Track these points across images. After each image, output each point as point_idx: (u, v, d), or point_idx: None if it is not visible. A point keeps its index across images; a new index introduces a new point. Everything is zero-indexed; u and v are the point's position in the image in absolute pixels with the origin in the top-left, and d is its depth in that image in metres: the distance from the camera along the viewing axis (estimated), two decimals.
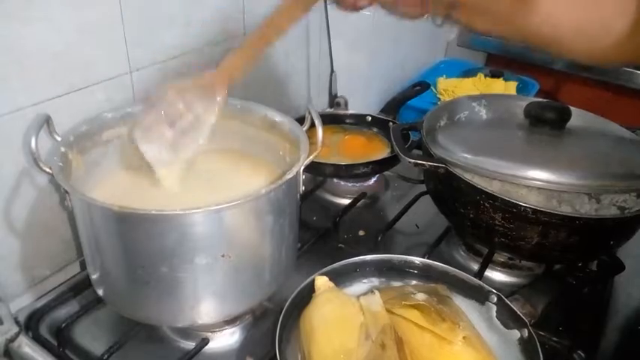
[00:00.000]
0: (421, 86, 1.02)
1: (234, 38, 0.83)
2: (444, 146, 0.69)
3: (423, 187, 0.84)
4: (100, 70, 0.67)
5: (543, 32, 0.51)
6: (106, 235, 0.53)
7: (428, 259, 0.66)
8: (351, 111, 1.01)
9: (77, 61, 0.64)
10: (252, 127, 0.69)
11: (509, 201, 0.62)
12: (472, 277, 0.61)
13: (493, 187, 0.65)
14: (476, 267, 0.74)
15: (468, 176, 0.66)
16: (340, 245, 0.77)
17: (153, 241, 0.51)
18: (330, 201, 0.88)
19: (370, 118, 0.96)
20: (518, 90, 1.41)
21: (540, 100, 0.79)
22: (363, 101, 1.22)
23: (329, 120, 0.97)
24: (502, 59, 1.60)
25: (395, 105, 0.98)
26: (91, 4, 0.63)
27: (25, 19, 0.57)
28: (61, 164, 0.56)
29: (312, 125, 0.61)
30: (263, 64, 0.92)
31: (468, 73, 1.47)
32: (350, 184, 0.89)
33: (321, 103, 1.08)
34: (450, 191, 0.68)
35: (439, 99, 1.35)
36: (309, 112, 0.63)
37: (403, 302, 0.57)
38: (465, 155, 0.67)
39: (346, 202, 0.85)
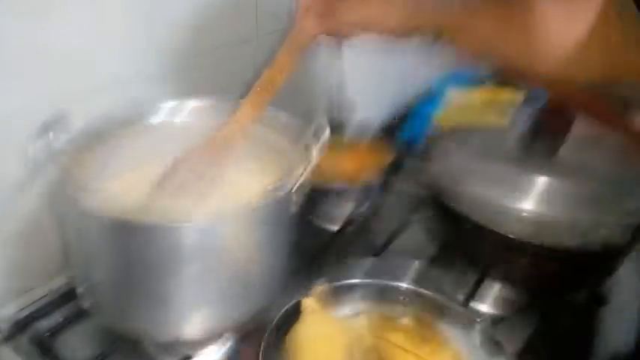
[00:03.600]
0: (428, 96, 1.03)
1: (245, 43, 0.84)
2: (436, 173, 0.70)
3: (415, 213, 0.84)
4: (113, 71, 0.68)
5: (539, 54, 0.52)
6: (96, 244, 0.53)
7: (417, 284, 0.66)
8: (352, 121, 1.02)
9: (91, 60, 0.65)
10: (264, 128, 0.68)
11: (496, 232, 0.63)
12: (458, 305, 0.62)
13: (484, 216, 0.66)
14: (465, 294, 0.74)
15: (458, 205, 0.66)
16: (330, 267, 0.77)
17: (142, 251, 0.51)
18: (321, 223, 0.88)
19: (372, 130, 0.96)
20: (527, 99, 1.41)
21: (534, 129, 0.80)
22: (368, 111, 1.21)
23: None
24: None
25: (400, 114, 0.98)
26: (108, 4, 0.64)
27: (44, 16, 0.58)
28: (62, 168, 0.56)
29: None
30: None
31: (478, 81, 1.47)
32: (342, 207, 0.89)
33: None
34: (440, 218, 0.69)
35: (447, 109, 1.36)
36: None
37: (389, 326, 0.57)
38: (457, 183, 0.68)
39: (338, 224, 0.86)
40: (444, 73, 1.48)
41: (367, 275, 0.72)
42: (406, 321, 0.58)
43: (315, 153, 0.58)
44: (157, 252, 0.51)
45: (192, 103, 0.68)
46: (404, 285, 0.64)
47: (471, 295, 0.71)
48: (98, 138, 0.62)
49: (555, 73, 0.53)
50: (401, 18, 0.54)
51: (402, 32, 0.54)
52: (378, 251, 0.78)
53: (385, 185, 0.86)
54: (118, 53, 0.68)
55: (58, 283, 0.70)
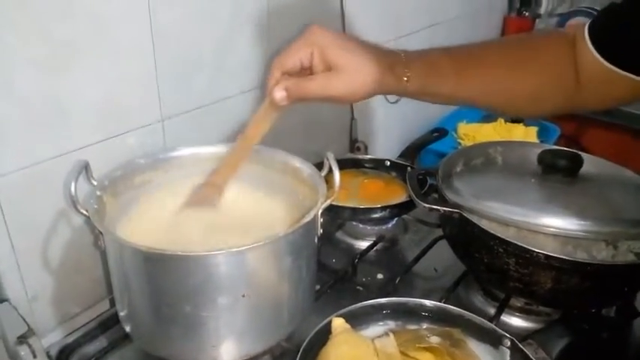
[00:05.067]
0: (439, 132, 1.05)
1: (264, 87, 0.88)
2: (459, 191, 0.71)
3: (440, 231, 0.86)
4: (134, 119, 0.72)
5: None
6: (135, 274, 0.57)
7: (444, 302, 0.68)
8: (370, 155, 1.04)
9: (114, 109, 0.69)
10: (275, 172, 0.73)
11: (522, 247, 0.64)
12: (486, 321, 0.62)
13: (508, 233, 0.67)
14: (492, 311, 0.75)
15: (482, 222, 0.68)
16: (358, 287, 0.79)
17: (178, 281, 0.54)
18: (348, 243, 0.90)
19: (389, 163, 0.99)
20: (539, 135, 1.42)
21: (553, 147, 0.82)
22: (383, 146, 1.25)
23: (349, 164, 1.00)
24: None
25: (414, 150, 1.01)
26: (127, 56, 0.68)
27: (68, 70, 0.62)
28: (96, 207, 0.60)
29: (331, 170, 0.65)
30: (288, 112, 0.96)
31: (488, 118, 1.49)
32: (369, 227, 0.92)
33: (341, 148, 1.11)
34: (464, 236, 0.70)
35: (460, 143, 1.37)
36: (327, 159, 0.67)
37: (417, 345, 0.58)
38: (480, 201, 0.69)
39: (365, 244, 0.88)
40: (454, 110, 1.50)
41: (395, 294, 0.74)
42: (435, 339, 0.59)
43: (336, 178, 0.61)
44: (191, 281, 0.54)
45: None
46: (431, 303, 0.65)
47: (500, 312, 0.72)
48: (121, 182, 0.67)
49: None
50: (365, 94, 0.59)
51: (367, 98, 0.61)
52: (405, 270, 0.79)
53: (409, 204, 0.87)
54: (139, 102, 0.72)
55: (102, 309, 0.74)
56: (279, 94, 0.59)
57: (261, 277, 0.58)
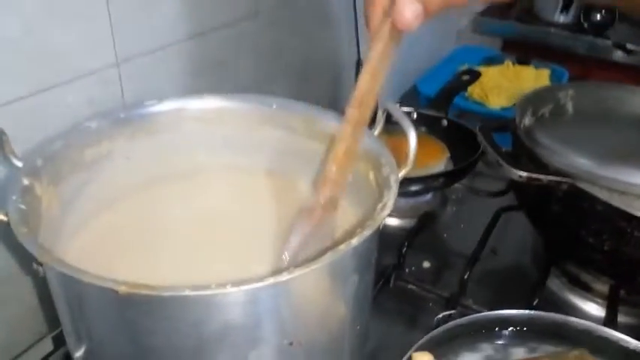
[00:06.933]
0: (471, 74, 0.83)
1: (246, 20, 0.64)
2: (561, 153, 0.51)
3: (493, 202, 0.67)
4: (75, 63, 0.48)
5: None
6: (106, 326, 0.33)
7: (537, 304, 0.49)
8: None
9: (42, 50, 0.45)
10: (289, 134, 0.50)
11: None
12: (628, 338, 0.43)
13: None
14: (588, 307, 0.57)
15: (602, 194, 0.47)
16: (410, 287, 0.58)
17: (182, 336, 0.31)
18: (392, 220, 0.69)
19: (416, 115, 0.77)
20: (551, 79, 1.25)
21: None
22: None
23: None
24: (519, 45, 1.45)
25: (444, 98, 0.79)
26: None
27: None
28: (23, 206, 0.35)
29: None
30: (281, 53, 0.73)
31: (490, 60, 1.30)
32: (402, 201, 0.70)
33: (344, 97, 0.88)
34: (572, 213, 0.50)
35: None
36: (384, 111, 0.45)
37: None
38: (598, 165, 0.49)
39: (399, 224, 0.67)
40: (451, 52, 1.30)
41: (465, 294, 0.55)
42: None
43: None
44: (205, 332, 0.31)
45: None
46: (545, 315, 0.46)
47: (613, 312, 0.53)
48: (64, 160, 0.42)
49: None
50: None
51: None
52: (470, 258, 0.59)
53: (464, 170, 0.67)
54: (82, 39, 0.48)
55: (44, 349, 0.49)
56: (412, 8, 0.34)
57: (315, 311, 0.35)
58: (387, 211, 0.36)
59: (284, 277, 0.30)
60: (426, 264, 0.63)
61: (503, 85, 1.15)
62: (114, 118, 0.46)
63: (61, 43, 0.46)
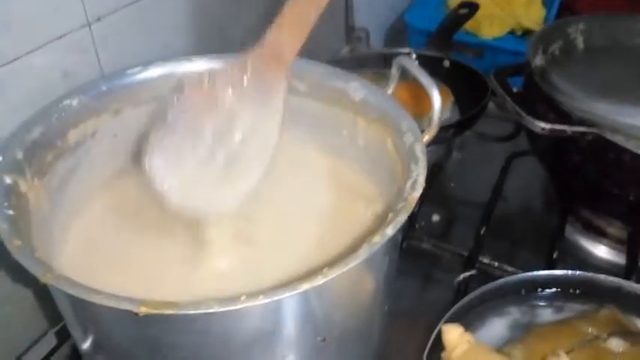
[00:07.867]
0: (469, 7, 0.78)
1: None
2: (580, 100, 0.47)
3: (500, 146, 0.65)
4: (40, 27, 0.41)
5: None
6: (124, 342, 0.30)
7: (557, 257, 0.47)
8: (379, 49, 0.77)
9: (4, 18, 0.38)
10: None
11: None
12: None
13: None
14: (604, 253, 0.56)
15: (630, 144, 0.45)
16: (423, 246, 0.56)
17: (208, 348, 0.28)
18: None
19: (415, 56, 0.72)
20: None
21: None
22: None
23: (354, 64, 0.72)
24: None
25: (444, 36, 0.74)
26: None
27: None
28: (11, 212, 0.31)
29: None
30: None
31: None
32: None
33: (335, 40, 0.82)
34: (593, 164, 0.48)
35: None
36: (399, 67, 0.41)
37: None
38: (617, 112, 0.46)
39: None
40: None
41: (482, 248, 0.53)
42: (616, 344, 0.38)
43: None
44: (219, 344, 0.28)
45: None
46: (565, 272, 0.44)
47: (634, 261, 0.51)
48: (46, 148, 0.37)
49: None
50: None
51: None
52: (485, 213, 0.56)
53: (472, 118, 0.63)
54: None
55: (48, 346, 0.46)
56: None
57: (348, 305, 0.32)
58: (420, 190, 0.32)
59: (319, 280, 0.27)
60: (436, 217, 0.61)
61: (495, 14, 1.09)
62: (95, 93, 0.41)
63: (23, 6, 0.40)
